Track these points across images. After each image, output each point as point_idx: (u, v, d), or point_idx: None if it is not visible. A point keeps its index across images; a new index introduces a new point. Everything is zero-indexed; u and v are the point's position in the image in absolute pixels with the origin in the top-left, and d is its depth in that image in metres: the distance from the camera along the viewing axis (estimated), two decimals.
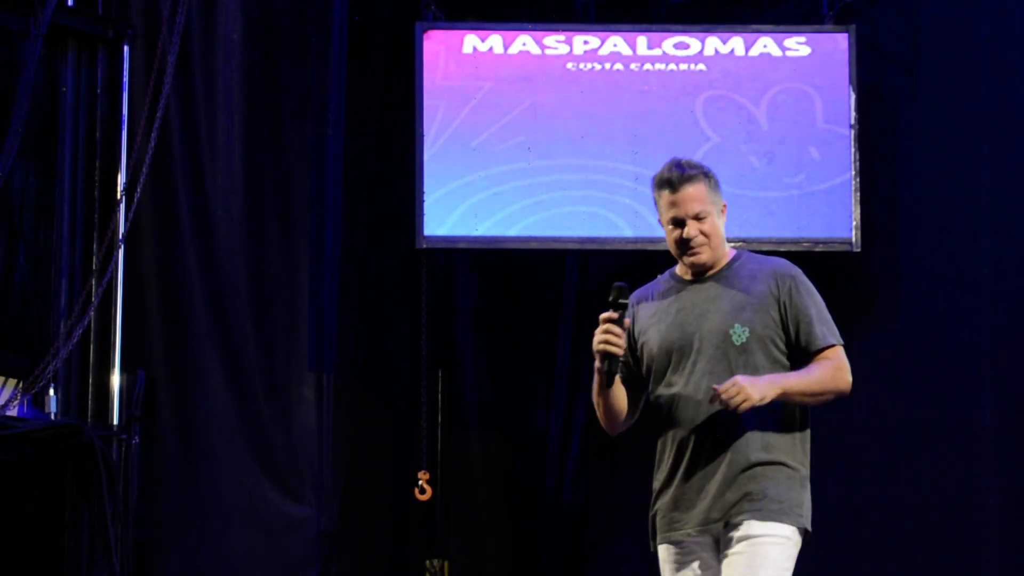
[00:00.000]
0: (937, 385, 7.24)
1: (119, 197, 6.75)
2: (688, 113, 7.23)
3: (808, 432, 4.14)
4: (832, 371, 4.09)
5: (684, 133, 7.20)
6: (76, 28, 6.79)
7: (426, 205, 7.14)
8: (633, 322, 4.22)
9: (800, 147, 7.22)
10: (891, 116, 7.45)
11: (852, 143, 7.17)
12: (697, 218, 4.13)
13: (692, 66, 7.27)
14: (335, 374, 7.25)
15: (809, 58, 7.26)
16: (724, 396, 3.89)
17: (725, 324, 4.10)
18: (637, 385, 4.22)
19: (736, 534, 4.01)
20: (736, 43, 7.28)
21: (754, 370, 4.04)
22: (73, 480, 6.32)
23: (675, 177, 4.13)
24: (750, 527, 4.00)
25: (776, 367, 4.08)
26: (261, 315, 7.14)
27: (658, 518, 4.17)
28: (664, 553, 4.17)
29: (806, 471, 4.11)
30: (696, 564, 4.10)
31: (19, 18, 6.43)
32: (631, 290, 4.12)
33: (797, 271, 4.19)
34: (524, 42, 7.28)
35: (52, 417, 6.51)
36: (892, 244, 7.38)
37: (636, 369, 4.21)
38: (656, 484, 4.18)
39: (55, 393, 6.58)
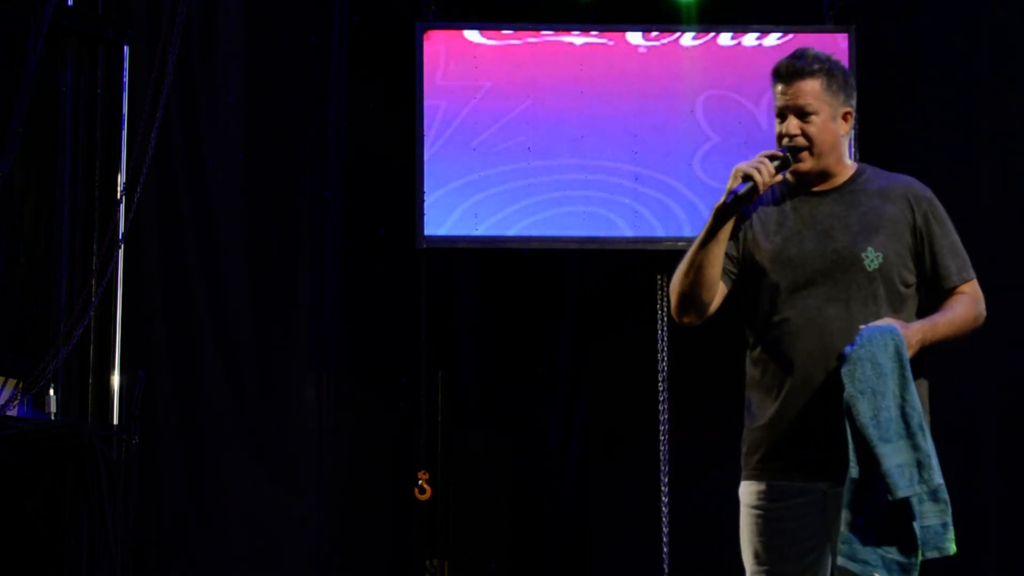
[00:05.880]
0: (936, 384, 7.21)
1: (119, 197, 6.74)
2: (688, 113, 7.23)
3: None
4: (973, 307, 3.72)
5: (684, 133, 7.19)
6: (76, 28, 6.78)
7: (426, 205, 7.14)
8: (745, 222, 3.71)
9: None
10: (891, 116, 7.44)
11: (852, 143, 7.17)
12: (801, 114, 3.65)
13: (692, 66, 7.26)
14: (335, 374, 7.25)
15: None
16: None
17: (856, 246, 3.61)
18: (729, 281, 3.74)
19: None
20: (736, 43, 7.27)
21: (878, 301, 3.62)
22: (73, 480, 6.30)
23: (782, 67, 3.66)
24: None
25: (900, 300, 3.67)
26: (261, 315, 7.15)
27: (753, 456, 3.69)
28: (752, 493, 3.70)
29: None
30: (795, 514, 3.62)
31: (19, 18, 6.42)
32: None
33: (931, 193, 3.74)
34: (524, 42, 7.27)
35: (52, 417, 6.50)
36: None
37: (734, 269, 3.72)
38: (755, 421, 3.70)
39: (55, 393, 6.57)
